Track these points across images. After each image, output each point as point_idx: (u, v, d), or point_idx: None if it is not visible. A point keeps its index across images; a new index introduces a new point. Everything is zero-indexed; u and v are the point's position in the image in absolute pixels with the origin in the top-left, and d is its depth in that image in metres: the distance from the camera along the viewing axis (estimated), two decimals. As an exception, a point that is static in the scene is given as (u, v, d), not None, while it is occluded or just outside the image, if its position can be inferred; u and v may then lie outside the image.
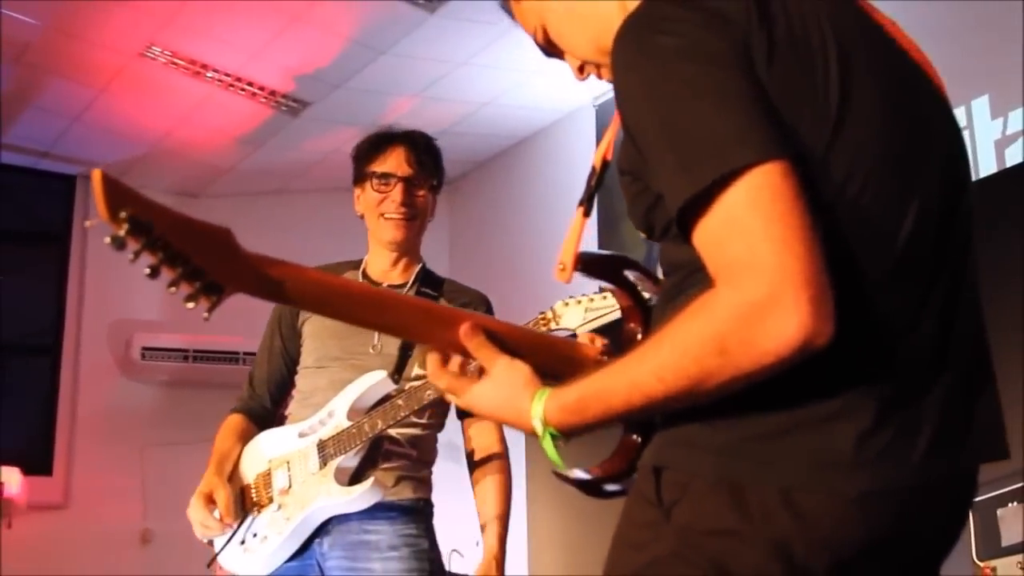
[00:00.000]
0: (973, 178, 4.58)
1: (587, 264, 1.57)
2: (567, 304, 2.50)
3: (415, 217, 3.01)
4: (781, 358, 1.17)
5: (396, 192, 2.96)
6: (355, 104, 6.52)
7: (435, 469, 3.02)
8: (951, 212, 1.37)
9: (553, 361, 1.53)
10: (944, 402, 1.30)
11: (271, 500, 2.89)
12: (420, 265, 3.08)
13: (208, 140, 6.98)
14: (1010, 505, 3.19)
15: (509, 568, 2.94)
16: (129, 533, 7.08)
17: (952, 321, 1.34)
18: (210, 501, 2.87)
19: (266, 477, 2.92)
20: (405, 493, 2.86)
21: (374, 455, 2.84)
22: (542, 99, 6.57)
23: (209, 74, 6.21)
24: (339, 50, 6.01)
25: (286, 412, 3.05)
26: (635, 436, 1.49)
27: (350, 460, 2.80)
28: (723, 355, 1.18)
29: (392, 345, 2.89)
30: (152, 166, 7.22)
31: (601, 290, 2.40)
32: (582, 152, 6.18)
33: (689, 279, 1.31)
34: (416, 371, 2.89)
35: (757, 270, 1.16)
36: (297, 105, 6.53)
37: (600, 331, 2.17)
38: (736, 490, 1.25)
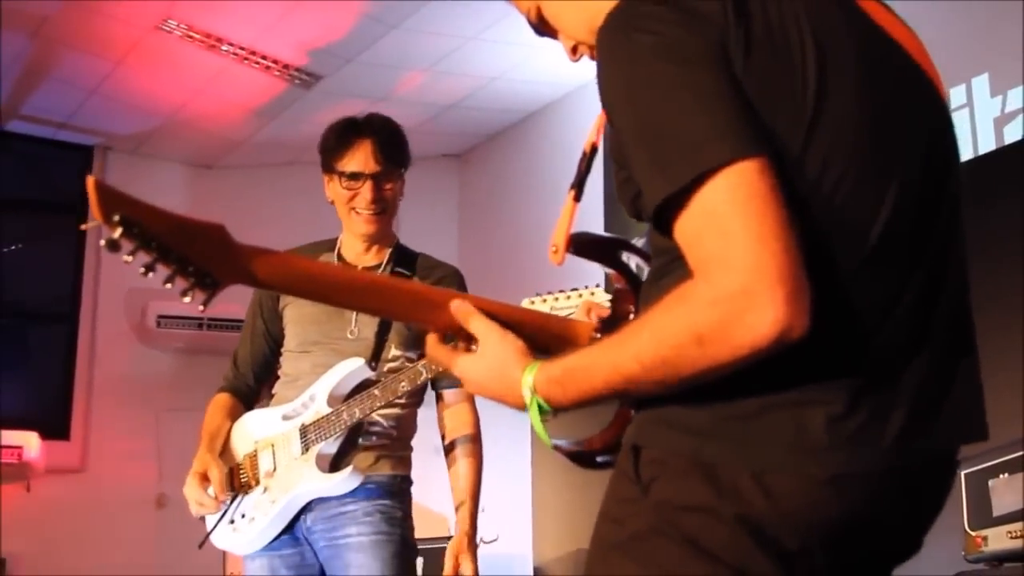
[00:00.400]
0: (973, 155, 4.55)
1: (581, 246, 1.58)
2: (532, 303, 2.53)
3: (385, 210, 3.03)
4: (756, 351, 1.18)
5: (366, 189, 2.98)
6: (367, 78, 6.52)
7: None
8: (935, 201, 1.38)
9: (544, 338, 1.54)
10: (919, 386, 1.31)
11: (258, 482, 2.96)
12: (392, 246, 3.10)
13: (223, 112, 6.99)
14: (1001, 476, 3.20)
15: (515, 543, 2.99)
16: (144, 496, 7.13)
17: (932, 307, 1.35)
18: (204, 479, 2.91)
19: (253, 458, 3.00)
20: (383, 470, 2.94)
21: (354, 437, 2.93)
22: (551, 73, 6.56)
23: (224, 47, 6.20)
24: (352, 24, 6.00)
25: (272, 392, 3.09)
26: (630, 408, 1.51)
27: (330, 446, 2.88)
28: (700, 346, 1.20)
29: (368, 329, 2.95)
30: (167, 137, 7.23)
31: (575, 289, 2.40)
32: (590, 126, 6.16)
33: (673, 263, 1.31)
34: (393, 352, 2.95)
35: (733, 266, 1.17)
36: (310, 78, 6.53)
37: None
38: (710, 469, 1.28)
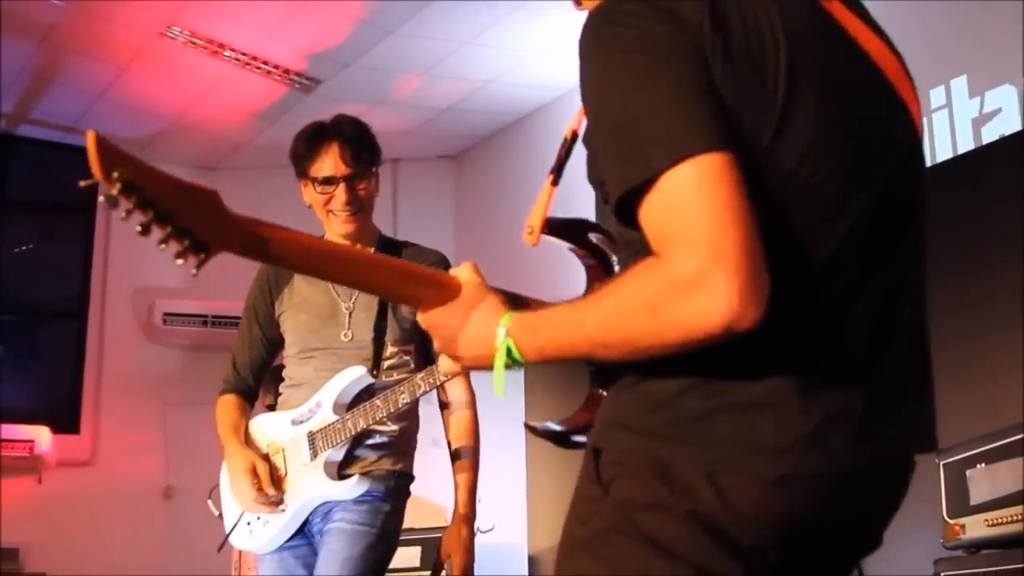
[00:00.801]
0: (952, 155, 4.55)
1: (553, 228, 1.58)
2: None
3: (362, 209, 3.01)
4: (708, 333, 1.17)
5: (340, 192, 2.96)
6: (364, 82, 6.52)
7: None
8: (899, 211, 1.38)
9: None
10: (874, 392, 1.31)
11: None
12: (376, 240, 3.10)
13: (225, 116, 6.99)
14: (978, 466, 3.21)
15: (510, 533, 3.00)
16: (152, 488, 7.14)
17: (890, 315, 1.34)
18: (253, 474, 2.91)
19: (266, 461, 2.98)
20: (384, 466, 2.95)
21: (359, 443, 2.94)
22: (544, 77, 6.56)
23: (226, 53, 6.20)
24: (349, 30, 6.00)
25: (279, 392, 3.10)
26: (600, 390, 1.53)
27: (337, 453, 2.90)
28: (654, 319, 1.20)
29: (362, 331, 2.97)
30: (172, 140, 7.23)
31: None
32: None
33: (640, 252, 1.30)
34: (390, 349, 2.97)
35: (693, 247, 1.17)
36: (310, 83, 6.53)
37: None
38: (664, 469, 1.28)
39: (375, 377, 2.92)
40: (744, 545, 1.27)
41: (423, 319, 1.50)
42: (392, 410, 2.80)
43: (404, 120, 7.07)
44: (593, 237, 1.63)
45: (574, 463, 1.60)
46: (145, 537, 6.90)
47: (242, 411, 3.09)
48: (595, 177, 1.37)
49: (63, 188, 7.82)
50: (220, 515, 3.08)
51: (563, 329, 1.32)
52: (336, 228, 3.01)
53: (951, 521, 3.24)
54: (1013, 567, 3.05)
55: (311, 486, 2.90)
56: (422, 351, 3.02)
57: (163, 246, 1.34)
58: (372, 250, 3.04)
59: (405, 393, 2.76)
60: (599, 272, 1.63)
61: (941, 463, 3.31)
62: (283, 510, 2.91)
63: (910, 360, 1.38)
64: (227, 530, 3.03)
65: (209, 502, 3.15)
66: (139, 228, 1.32)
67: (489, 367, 1.41)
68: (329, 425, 2.88)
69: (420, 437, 3.11)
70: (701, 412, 1.27)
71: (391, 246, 3.08)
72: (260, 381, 3.16)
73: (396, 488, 2.96)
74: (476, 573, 2.99)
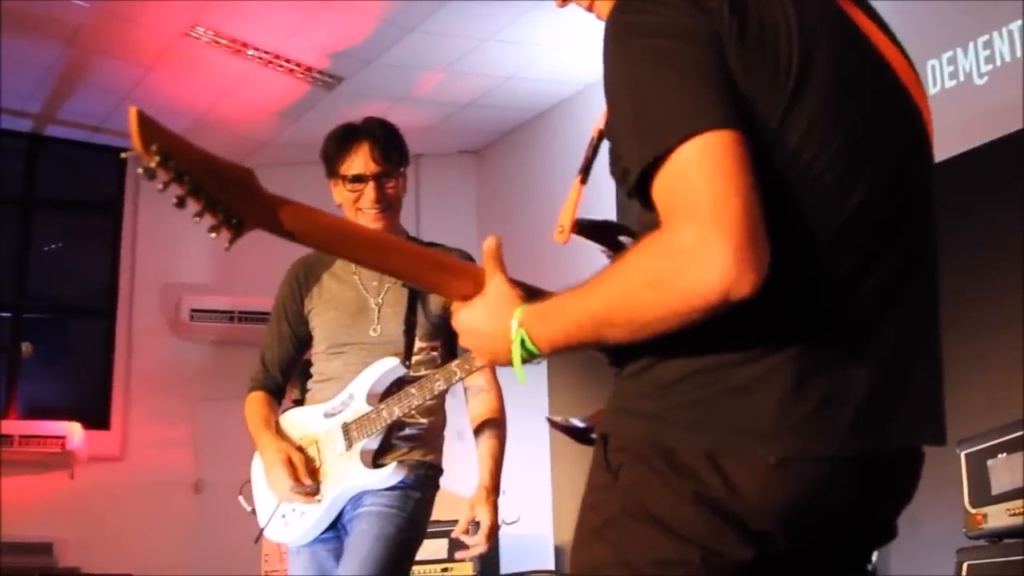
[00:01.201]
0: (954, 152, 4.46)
1: (583, 228, 1.59)
2: None
3: (390, 207, 3.05)
4: (706, 301, 1.18)
5: (369, 190, 3.00)
6: (386, 79, 6.54)
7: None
8: (910, 196, 1.38)
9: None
10: (877, 377, 1.30)
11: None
12: (403, 238, 3.12)
13: (249, 114, 7.02)
14: (999, 456, 3.20)
15: (536, 524, 3.00)
16: (182, 482, 7.19)
17: (896, 299, 1.34)
18: (290, 465, 2.92)
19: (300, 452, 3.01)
20: (414, 456, 2.97)
21: (392, 433, 2.96)
22: (563, 72, 6.56)
23: (249, 52, 6.23)
24: (371, 28, 6.02)
25: (306, 388, 3.12)
26: None
27: (372, 442, 2.92)
28: (653, 290, 1.21)
29: (391, 326, 2.99)
30: (196, 139, 7.05)
31: None
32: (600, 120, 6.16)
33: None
34: (419, 344, 2.99)
35: (694, 215, 1.18)
36: (332, 80, 6.55)
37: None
38: (669, 453, 1.28)
39: (408, 368, 2.95)
40: (753, 529, 1.27)
41: (454, 321, 1.51)
42: (428, 398, 2.81)
43: (425, 116, 7.08)
44: (622, 239, 1.64)
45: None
46: (175, 531, 6.95)
47: (271, 407, 3.11)
48: (616, 168, 1.38)
49: (91, 187, 7.89)
50: (252, 510, 3.09)
51: (571, 312, 1.32)
52: (364, 223, 3.04)
53: (973, 511, 3.23)
54: (1036, 555, 3.04)
55: (347, 475, 2.91)
56: (448, 347, 3.04)
57: (197, 219, 1.36)
58: None
59: (441, 380, 2.78)
60: None
61: (962, 453, 3.30)
62: (319, 500, 2.93)
63: (918, 349, 1.37)
64: (261, 524, 3.05)
65: (240, 498, 3.17)
66: (175, 200, 1.34)
67: (509, 361, 1.41)
68: (364, 415, 2.90)
69: (446, 432, 3.13)
70: (702, 396, 1.28)
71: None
72: (288, 378, 3.19)
73: (426, 478, 2.99)
74: (503, 565, 3.00)
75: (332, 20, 5.94)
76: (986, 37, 4.56)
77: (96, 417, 7.21)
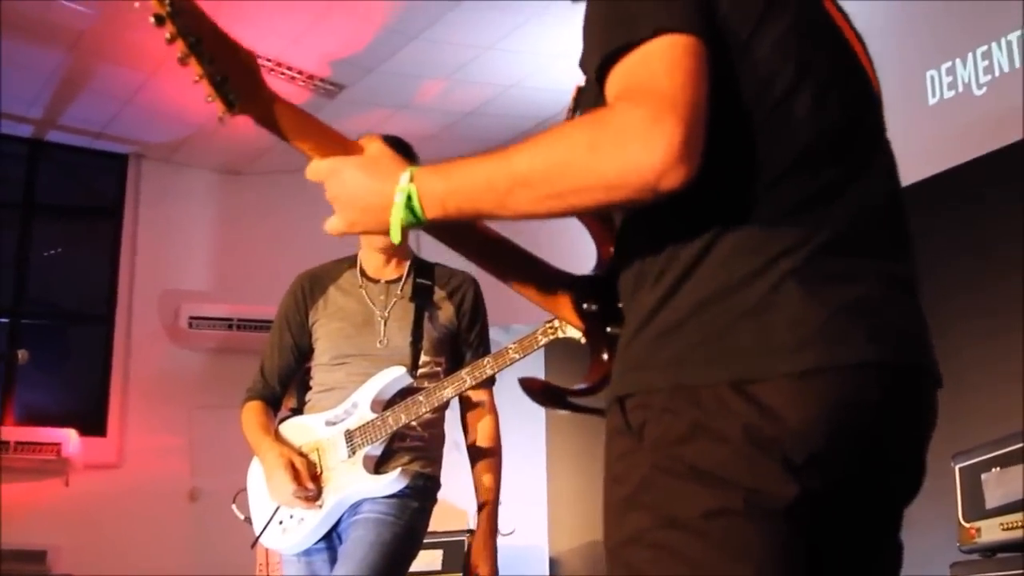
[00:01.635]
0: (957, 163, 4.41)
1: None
2: (553, 328, 2.62)
3: None
4: (641, 179, 1.20)
5: None
6: (388, 87, 6.57)
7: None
8: (875, 122, 1.43)
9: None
10: (888, 287, 1.32)
11: None
12: (410, 258, 3.17)
13: (250, 121, 7.03)
14: (993, 470, 3.22)
15: (531, 535, 3.03)
16: (178, 490, 7.20)
17: (885, 216, 1.37)
18: (293, 469, 2.95)
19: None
20: (414, 467, 3.00)
21: (392, 441, 2.99)
22: (565, 81, 6.51)
23: (251, 59, 6.26)
24: (372, 36, 6.05)
25: (306, 399, 3.15)
26: (604, 355, 1.53)
27: (375, 449, 2.96)
28: (593, 152, 1.22)
29: (398, 338, 3.04)
30: (198, 145, 7.30)
31: None
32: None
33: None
34: (423, 358, 3.04)
35: (650, 96, 1.22)
36: (334, 88, 6.59)
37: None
38: (692, 393, 1.26)
39: (414, 379, 2.98)
40: (792, 459, 1.23)
41: (315, 165, 1.49)
42: (436, 405, 2.85)
43: (427, 124, 7.11)
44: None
45: (594, 466, 1.60)
46: (171, 539, 6.96)
47: (269, 416, 3.14)
48: (588, 102, 1.39)
49: (92, 193, 7.92)
50: (246, 519, 3.12)
51: (482, 169, 1.30)
52: (375, 241, 3.09)
53: (967, 525, 3.25)
54: (1030, 570, 3.06)
55: (350, 482, 2.93)
56: (452, 363, 3.08)
57: (197, 80, 1.42)
58: (407, 266, 3.15)
59: (449, 388, 2.84)
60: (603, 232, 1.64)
61: (957, 467, 3.32)
62: (320, 506, 2.95)
63: (913, 272, 1.39)
64: (256, 531, 3.08)
65: (234, 507, 3.19)
66: (179, 56, 1.41)
67: (385, 226, 1.36)
68: (368, 423, 2.93)
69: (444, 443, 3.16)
70: (715, 328, 1.27)
71: (424, 266, 3.18)
72: (286, 389, 3.22)
73: (425, 489, 3.02)
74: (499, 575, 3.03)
75: (334, 28, 5.97)
76: (985, 48, 4.59)
77: (92, 424, 7.22)
